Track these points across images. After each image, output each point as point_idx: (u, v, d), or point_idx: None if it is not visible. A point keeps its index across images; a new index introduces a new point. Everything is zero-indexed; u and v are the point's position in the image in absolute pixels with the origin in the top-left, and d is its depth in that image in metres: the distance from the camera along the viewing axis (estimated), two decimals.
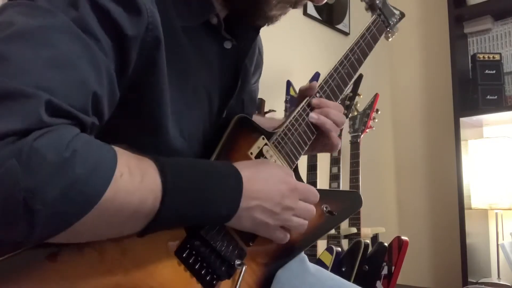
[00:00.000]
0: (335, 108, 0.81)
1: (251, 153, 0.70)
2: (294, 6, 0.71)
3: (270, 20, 0.70)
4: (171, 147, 0.62)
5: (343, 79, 0.84)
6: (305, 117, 0.79)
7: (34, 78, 0.44)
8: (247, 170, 0.62)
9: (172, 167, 0.54)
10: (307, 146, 0.79)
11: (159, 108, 0.60)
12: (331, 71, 0.84)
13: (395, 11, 0.99)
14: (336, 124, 0.80)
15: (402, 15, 1.02)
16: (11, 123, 0.42)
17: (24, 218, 0.41)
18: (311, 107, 0.80)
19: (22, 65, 0.44)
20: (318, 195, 0.70)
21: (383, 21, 0.95)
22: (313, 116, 0.79)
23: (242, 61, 0.75)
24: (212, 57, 0.70)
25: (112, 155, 0.48)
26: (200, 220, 0.60)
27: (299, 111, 0.78)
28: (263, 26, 0.74)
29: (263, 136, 0.72)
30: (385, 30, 0.97)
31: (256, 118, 0.86)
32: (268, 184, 0.64)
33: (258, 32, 0.77)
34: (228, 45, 0.71)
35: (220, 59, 0.71)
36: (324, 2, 0.72)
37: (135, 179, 0.49)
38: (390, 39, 1.02)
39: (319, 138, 0.82)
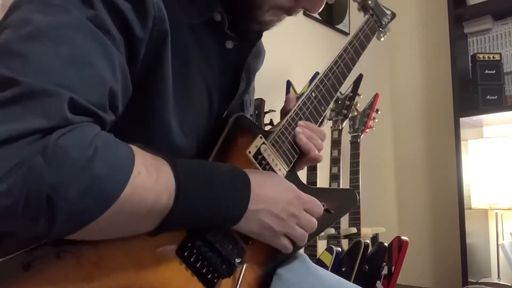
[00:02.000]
0: (318, 135, 0.81)
1: (249, 152, 0.70)
2: (289, 13, 0.71)
3: (264, 24, 0.70)
4: (172, 142, 0.63)
5: (337, 79, 0.86)
6: (301, 116, 0.80)
7: (55, 77, 0.45)
8: (254, 175, 0.64)
9: (183, 166, 0.55)
10: None
11: (163, 102, 0.60)
12: (326, 70, 0.85)
13: (386, 11, 1.01)
14: (318, 150, 0.80)
15: (393, 15, 1.04)
16: (36, 122, 0.43)
17: (45, 214, 0.42)
18: (307, 105, 0.81)
19: (42, 63, 0.45)
20: (322, 208, 0.71)
21: (376, 21, 0.97)
22: (302, 139, 0.77)
23: (244, 62, 0.75)
24: (214, 56, 0.70)
25: (130, 154, 0.49)
26: (211, 221, 0.60)
27: (295, 110, 0.79)
28: (260, 30, 0.74)
29: (261, 135, 0.72)
30: (378, 29, 0.99)
31: None
32: (275, 190, 0.65)
33: (261, 35, 0.78)
34: (229, 44, 0.71)
35: (221, 59, 0.71)
36: (319, 11, 0.72)
37: (151, 177, 0.50)
38: (382, 39, 1.04)
39: (302, 157, 0.81)
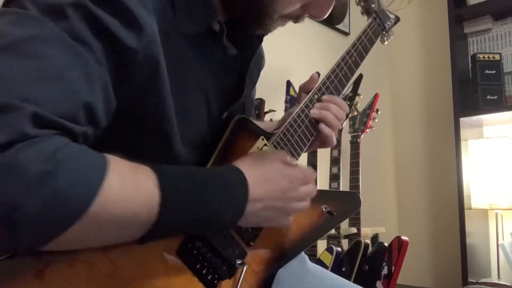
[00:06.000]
0: (338, 104, 0.81)
1: (251, 153, 0.70)
2: (296, 21, 0.72)
3: (268, 31, 0.71)
4: (173, 153, 0.62)
5: (340, 81, 0.85)
6: (304, 118, 0.79)
7: (20, 91, 0.43)
8: (251, 173, 0.62)
9: (173, 176, 0.54)
10: (306, 147, 0.79)
11: (163, 116, 0.59)
12: (328, 73, 0.85)
13: (390, 15, 1.01)
14: (337, 118, 0.80)
15: (397, 19, 1.03)
16: None
17: (7, 232, 0.41)
18: (310, 107, 0.80)
19: (8, 78, 0.44)
20: (315, 173, 0.70)
21: (379, 24, 0.96)
22: (315, 111, 0.79)
23: (247, 68, 0.75)
24: (214, 62, 0.69)
25: (102, 166, 0.46)
26: (203, 229, 0.60)
27: (297, 112, 0.79)
28: (261, 34, 0.74)
29: (262, 136, 0.72)
30: (381, 33, 0.98)
31: (256, 122, 0.87)
32: (270, 182, 0.64)
33: (261, 40, 0.78)
34: (232, 51, 0.71)
35: (223, 65, 0.71)
36: (325, 17, 0.72)
37: (127, 191, 0.48)
38: (385, 43, 1.04)
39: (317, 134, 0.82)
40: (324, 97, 0.81)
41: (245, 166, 0.62)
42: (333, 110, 0.80)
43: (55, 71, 0.46)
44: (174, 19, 0.60)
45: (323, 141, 0.82)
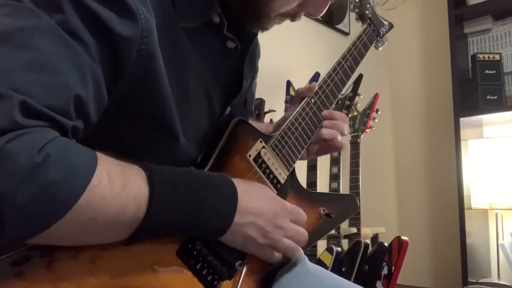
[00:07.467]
0: (342, 120, 0.85)
1: (250, 156, 0.70)
2: (293, 19, 0.73)
3: (264, 29, 0.72)
4: (178, 149, 0.62)
5: (336, 85, 0.87)
6: (301, 121, 0.80)
7: (10, 80, 0.43)
8: (242, 186, 0.62)
9: (164, 176, 0.54)
10: (304, 150, 0.80)
11: (165, 111, 0.59)
12: (325, 77, 0.86)
13: (384, 21, 1.02)
14: (342, 135, 0.86)
15: (391, 25, 1.05)
16: None
17: None
18: (306, 111, 0.81)
19: (0, 67, 0.44)
20: (306, 216, 0.70)
21: (373, 30, 0.98)
22: (325, 132, 0.82)
23: (244, 61, 0.76)
24: (215, 56, 0.70)
25: (91, 162, 0.47)
26: (192, 232, 0.59)
27: (295, 115, 0.80)
28: (260, 32, 0.75)
29: (260, 139, 0.73)
30: (375, 39, 1.00)
31: (255, 123, 0.87)
32: (262, 202, 0.64)
33: (257, 32, 0.78)
34: (231, 44, 0.71)
35: (223, 58, 0.72)
36: (322, 14, 0.73)
37: (114, 187, 0.48)
38: (380, 49, 1.05)
39: (320, 143, 0.85)
40: (325, 113, 0.83)
41: (237, 180, 0.63)
42: (341, 128, 0.84)
43: (47, 63, 0.46)
44: (174, 13, 0.61)
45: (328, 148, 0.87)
